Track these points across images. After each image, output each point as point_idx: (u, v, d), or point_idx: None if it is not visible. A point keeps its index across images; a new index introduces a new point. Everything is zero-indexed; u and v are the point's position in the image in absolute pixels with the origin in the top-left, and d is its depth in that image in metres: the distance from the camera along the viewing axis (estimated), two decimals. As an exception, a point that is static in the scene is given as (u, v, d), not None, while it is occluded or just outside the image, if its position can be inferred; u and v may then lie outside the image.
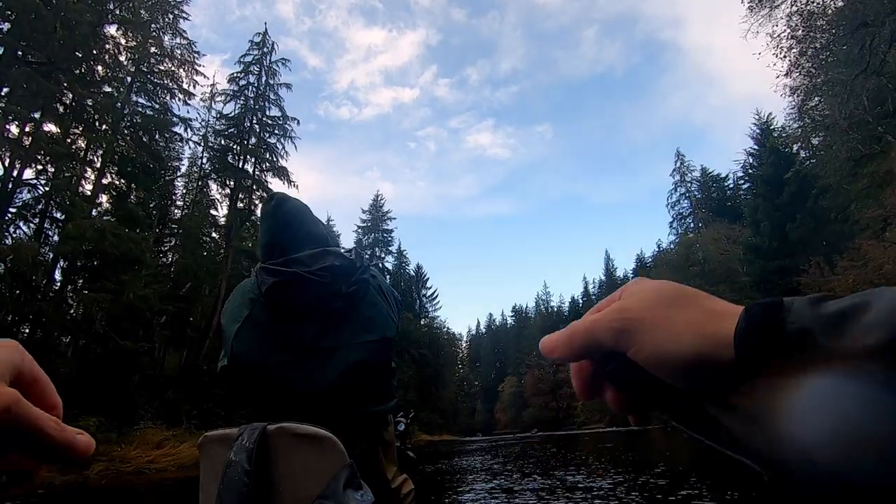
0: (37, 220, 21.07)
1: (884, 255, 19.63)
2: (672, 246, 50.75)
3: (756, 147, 39.85)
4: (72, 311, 22.29)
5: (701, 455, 14.83)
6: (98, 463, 15.61)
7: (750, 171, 42.41)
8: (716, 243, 37.65)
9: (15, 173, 19.74)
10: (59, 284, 21.74)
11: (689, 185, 54.61)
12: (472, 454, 22.30)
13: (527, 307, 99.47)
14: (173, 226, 34.42)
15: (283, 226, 1.32)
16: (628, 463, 12.81)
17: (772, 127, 39.52)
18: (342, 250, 1.30)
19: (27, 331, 20.53)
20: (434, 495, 10.03)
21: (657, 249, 61.15)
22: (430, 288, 72.19)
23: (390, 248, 65.83)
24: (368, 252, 60.46)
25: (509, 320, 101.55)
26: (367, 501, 0.78)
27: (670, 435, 26.68)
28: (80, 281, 22.49)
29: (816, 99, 20.93)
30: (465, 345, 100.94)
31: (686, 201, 54.58)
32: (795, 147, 31.90)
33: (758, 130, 40.87)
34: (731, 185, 49.77)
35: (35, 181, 20.72)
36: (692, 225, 53.30)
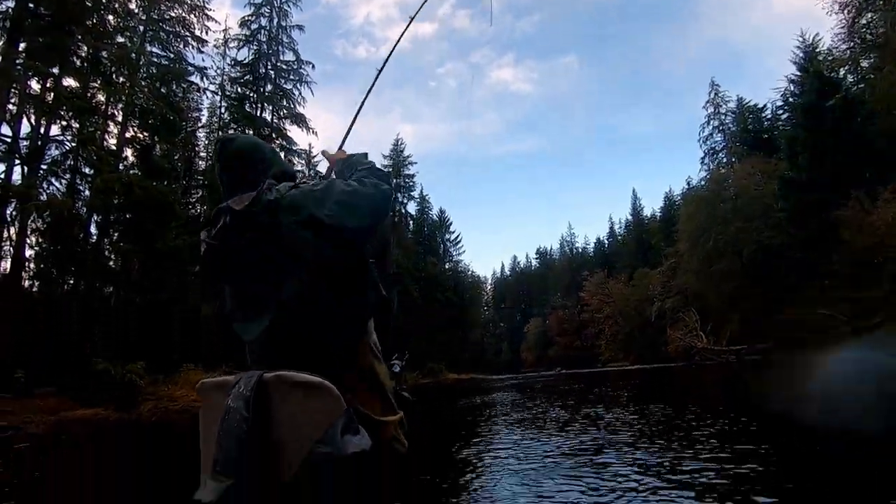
0: (68, 175, 21.61)
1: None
2: (702, 182, 48.87)
3: (798, 73, 37.06)
4: (110, 262, 23.28)
5: (724, 389, 15.02)
6: (148, 402, 16.85)
7: (790, 99, 39.72)
8: (750, 178, 36.04)
9: (42, 130, 20.07)
10: (95, 238, 22.57)
11: (723, 117, 51.68)
12: (499, 391, 23.15)
13: (551, 249, 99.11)
14: (199, 177, 34.91)
15: (224, 172, 1.27)
16: (651, 398, 13.10)
17: (817, 50, 36.54)
18: (243, 196, 1.14)
19: (71, 282, 21.62)
20: (465, 429, 10.52)
21: (686, 187, 59.05)
22: (453, 232, 72.24)
23: (412, 194, 65.54)
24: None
25: (534, 263, 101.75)
26: (364, 445, 0.76)
27: (693, 372, 27.02)
28: (115, 234, 23.31)
29: (869, 15, 19.08)
30: (490, 287, 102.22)
31: (719, 135, 51.92)
32: (842, 71, 29.56)
33: (801, 55, 37.86)
34: (769, 117, 46.84)
35: (62, 137, 21.07)
36: (725, 160, 51.01)
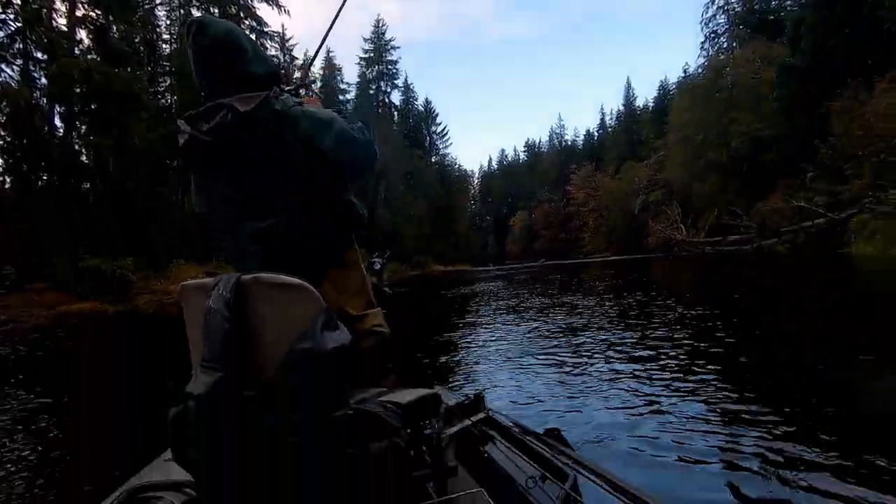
0: (19, 61, 19.84)
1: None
2: (699, 70, 46.71)
3: (817, -57, 33.72)
4: (83, 157, 22.35)
5: (693, 280, 15.87)
6: (143, 296, 17.34)
7: (804, -26, 36.61)
8: (749, 65, 34.51)
9: (-21, 7, 17.98)
10: (61, 131, 21.39)
11: (729, -5, 47.90)
12: (484, 281, 24.14)
13: (539, 142, 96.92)
14: (165, 63, 32.31)
15: (200, 65, 1.19)
16: (625, 287, 13.82)
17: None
18: (250, 96, 1.13)
19: (45, 177, 20.91)
20: (451, 315, 11.15)
21: (683, 75, 56.48)
22: (439, 124, 69.66)
23: (396, 83, 61.92)
24: (374, 87, 57.22)
25: (522, 156, 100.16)
26: (344, 340, 0.81)
27: (670, 263, 28.25)
28: (83, 127, 22.08)
29: None
30: (476, 181, 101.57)
31: (723, 16, 48.48)
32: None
33: (825, -81, 34.10)
34: (779, -5, 43.55)
35: (3, 16, 18.96)
36: (726, 45, 48.28)
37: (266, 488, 0.76)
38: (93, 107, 21.00)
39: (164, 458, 1.68)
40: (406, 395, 1.05)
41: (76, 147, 22.06)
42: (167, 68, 31.90)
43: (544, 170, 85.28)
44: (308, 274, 1.21)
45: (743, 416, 3.04)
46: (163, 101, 31.79)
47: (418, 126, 67.52)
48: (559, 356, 5.24)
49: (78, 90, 20.04)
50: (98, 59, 21.67)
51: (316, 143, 1.16)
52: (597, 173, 63.47)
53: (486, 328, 7.96)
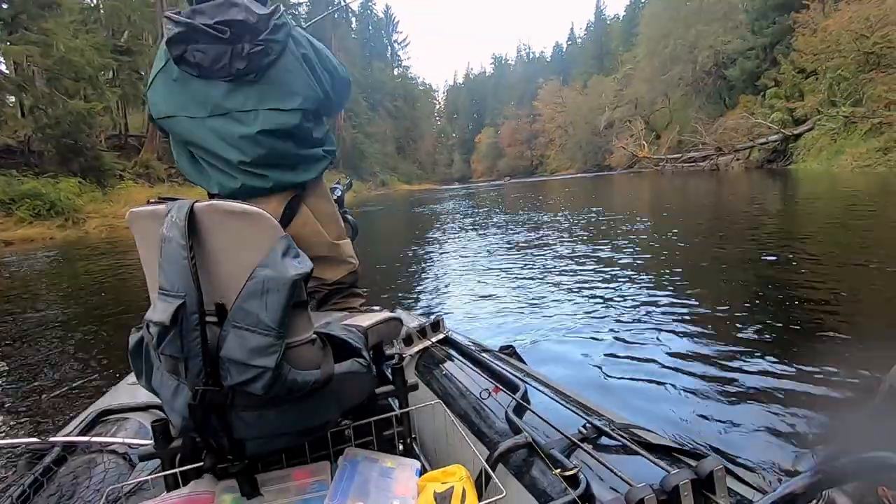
0: None
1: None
2: (673, -24, 44.65)
3: None
4: (1, 66, 19.97)
5: (648, 194, 16.38)
6: (92, 219, 16.52)
7: None
8: (722, -28, 33.25)
9: None
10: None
11: None
12: (450, 200, 24.14)
13: (506, 56, 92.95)
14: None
15: None
16: (583, 202, 14.16)
17: None
18: (259, 3, 1.13)
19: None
20: (418, 232, 11.23)
21: (656, -19, 53.93)
22: (401, 33, 65.27)
23: (352, -18, 56.74)
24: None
25: (488, 69, 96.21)
26: (305, 267, 0.82)
27: (631, 179, 28.85)
28: (-3, 32, 19.46)
29: None
30: (441, 96, 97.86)
31: (702, -85, 45.66)
32: None
33: None
34: None
35: None
36: (702, -52, 45.86)
37: (229, 411, 0.81)
38: (4, 6, 18.42)
39: (128, 382, 1.72)
40: (368, 318, 1.10)
41: (-7, 55, 19.62)
42: (87, -39, 27.92)
43: (511, 85, 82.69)
44: (291, 195, 1.22)
45: (689, 323, 3.32)
46: (87, 1, 28.15)
47: (378, 34, 63.09)
48: (518, 273, 5.46)
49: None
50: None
51: (315, 67, 1.19)
52: (563, 88, 62.15)
53: (448, 247, 8.10)
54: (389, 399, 1.09)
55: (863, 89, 18.81)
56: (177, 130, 1.18)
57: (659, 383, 2.44)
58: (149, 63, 25.35)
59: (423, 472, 0.99)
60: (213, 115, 1.12)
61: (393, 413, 1.04)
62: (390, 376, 1.08)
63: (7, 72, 19.91)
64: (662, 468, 0.78)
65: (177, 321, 0.78)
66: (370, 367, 0.91)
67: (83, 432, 1.35)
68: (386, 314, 1.13)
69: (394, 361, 1.08)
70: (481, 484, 0.93)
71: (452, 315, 4.00)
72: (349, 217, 1.58)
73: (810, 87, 23.12)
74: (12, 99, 20.28)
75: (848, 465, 0.71)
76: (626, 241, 6.74)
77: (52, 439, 1.27)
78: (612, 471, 0.82)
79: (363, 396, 0.98)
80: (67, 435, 1.32)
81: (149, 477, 0.94)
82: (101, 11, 27.91)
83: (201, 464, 0.91)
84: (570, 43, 79.25)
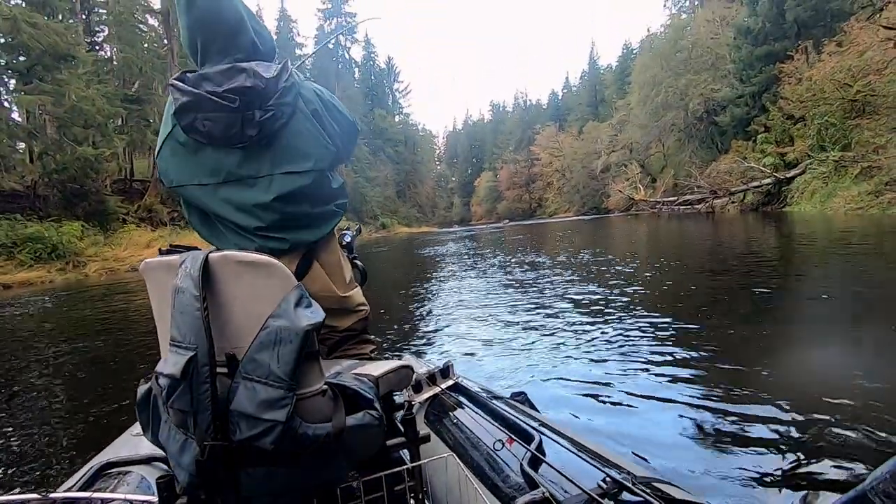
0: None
1: (871, 38, 18.60)
2: (662, 30, 46.86)
3: None
4: (13, 115, 20.58)
5: (651, 236, 16.49)
6: (93, 263, 16.55)
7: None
8: (708, 25, 34.90)
9: None
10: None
11: (694, -49, 47.73)
12: (450, 242, 24.26)
13: (504, 103, 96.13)
14: (101, 11, 29.67)
15: (200, 24, 1.09)
16: (583, 244, 14.24)
17: None
18: (269, 65, 1.11)
19: (-28, 138, 19.24)
20: (422, 274, 11.21)
21: (647, 34, 56.56)
22: (402, 82, 67.74)
23: (356, 37, 59.28)
24: (332, 43, 54.60)
25: (486, 115, 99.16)
26: (318, 317, 0.81)
27: (628, 221, 29.13)
28: (12, 81, 20.20)
29: None
30: (441, 141, 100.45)
31: (688, -27, 48.51)
32: None
33: None
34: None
35: None
36: (688, 4, 48.50)
37: (238, 464, 0.78)
38: (22, 58, 19.18)
39: (131, 433, 1.66)
40: (379, 367, 1.08)
41: (6, 105, 20.24)
42: (103, 16, 29.33)
43: (509, 130, 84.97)
44: (303, 252, 1.21)
45: (700, 364, 3.26)
46: (101, 52, 29.36)
47: (380, 83, 65.38)
48: (524, 314, 5.42)
49: (2, 40, 18.22)
50: (23, 4, 19.66)
51: (324, 121, 1.18)
52: (560, 134, 63.87)
53: (452, 289, 8.08)
54: (400, 452, 1.05)
55: (850, 134, 19.31)
56: (188, 198, 1.15)
57: (676, 430, 2.37)
58: (157, 112, 26.19)
59: (436, 531, 0.94)
60: (225, 181, 1.10)
61: (404, 467, 1.00)
62: (400, 427, 1.05)
63: (19, 119, 20.49)
64: None
65: (187, 374, 0.76)
66: (382, 419, 0.89)
67: (84, 487, 1.29)
68: (397, 363, 1.11)
69: (404, 412, 1.05)
70: (498, 544, 0.89)
71: (460, 359, 3.94)
72: (358, 263, 1.57)
73: (799, 132, 23.74)
74: (22, 145, 20.78)
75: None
76: (628, 282, 6.74)
77: (52, 495, 1.21)
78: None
79: (374, 449, 0.95)
80: (68, 490, 1.26)
81: None
82: (115, 63, 29.06)
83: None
84: (565, 91, 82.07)
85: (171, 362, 0.79)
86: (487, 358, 3.97)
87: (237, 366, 0.79)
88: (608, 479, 0.96)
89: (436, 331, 5.25)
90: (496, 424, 1.27)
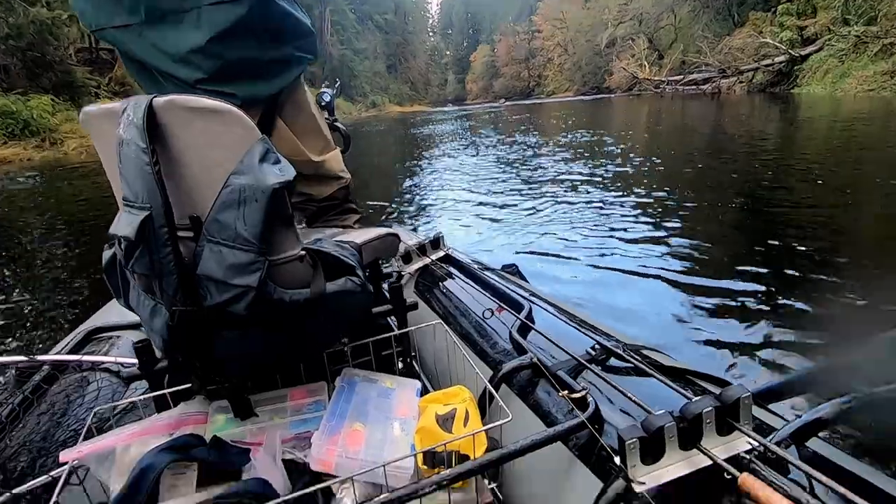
0: None
1: None
2: None
3: None
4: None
5: (651, 116, 15.88)
6: (70, 140, 15.83)
7: None
8: None
9: None
10: None
11: None
12: (446, 122, 23.35)
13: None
14: None
15: None
16: (579, 125, 13.71)
17: None
18: None
19: None
20: (415, 152, 10.93)
21: None
22: (390, -67, 59.87)
23: None
24: None
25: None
26: (287, 175, 0.71)
27: (632, 101, 27.88)
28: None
29: None
30: (435, 10, 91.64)
31: None
32: None
33: None
34: None
35: None
36: None
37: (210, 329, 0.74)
38: None
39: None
40: (363, 235, 1.01)
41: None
42: None
43: (509, -3, 77.26)
44: (261, 110, 1.00)
45: (690, 240, 3.29)
46: None
47: (365, -65, 57.56)
48: (518, 192, 5.38)
49: None
50: None
51: None
52: (565, 2, 58.27)
53: (446, 167, 7.91)
54: (388, 319, 1.03)
55: (879, 6, 17.79)
56: (113, 43, 0.94)
57: (665, 304, 2.44)
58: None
59: (424, 392, 0.95)
60: (148, 21, 0.88)
61: (391, 333, 0.98)
62: (387, 294, 1.02)
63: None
64: (680, 393, 0.74)
65: (145, 237, 0.69)
66: (365, 286, 0.83)
67: (73, 351, 1.30)
68: (382, 230, 1.04)
69: (392, 280, 1.00)
70: (485, 405, 0.90)
71: (451, 234, 3.95)
72: (340, 127, 1.43)
73: (824, 2, 21.80)
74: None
75: (884, 395, 0.67)
76: (622, 163, 6.61)
77: (41, 358, 1.22)
78: (623, 394, 0.78)
79: (359, 316, 0.92)
80: (57, 354, 1.27)
81: (138, 398, 0.89)
82: None
83: (190, 385, 0.87)
84: (574, -52, 73.06)
85: (124, 223, 0.70)
86: (479, 231, 3.99)
87: (202, 228, 0.71)
88: (597, 346, 0.96)
89: (426, 204, 5.22)
90: (486, 294, 1.25)
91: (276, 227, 0.75)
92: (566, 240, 3.56)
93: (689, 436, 0.62)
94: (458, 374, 0.98)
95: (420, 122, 25.02)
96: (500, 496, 0.78)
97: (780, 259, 2.90)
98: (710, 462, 0.61)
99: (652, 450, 0.61)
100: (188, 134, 0.71)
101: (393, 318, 1.02)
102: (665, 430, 0.61)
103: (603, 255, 3.19)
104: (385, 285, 1.12)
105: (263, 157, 0.71)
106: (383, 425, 0.83)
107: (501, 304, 1.14)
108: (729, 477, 0.59)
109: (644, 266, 2.95)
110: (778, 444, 0.63)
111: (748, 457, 0.62)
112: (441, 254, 1.60)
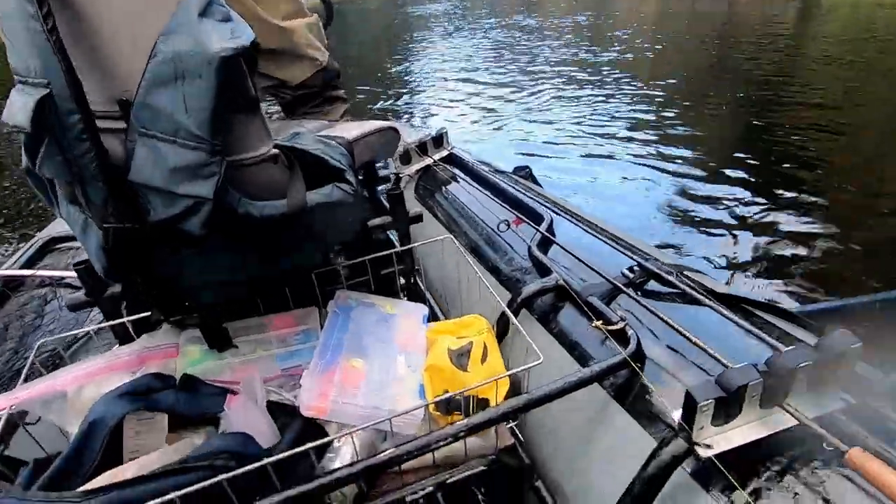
0: None
1: None
2: None
3: None
4: None
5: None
6: None
7: None
8: None
9: None
10: None
11: None
12: (439, 1, 21.26)
13: None
14: None
15: None
16: (588, 5, 12.46)
17: None
18: None
19: None
20: (405, 37, 10.03)
21: None
22: None
23: None
24: None
25: None
26: (242, 38, 0.50)
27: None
28: None
29: None
30: None
31: None
32: None
33: None
34: None
35: None
36: None
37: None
38: None
39: None
40: (354, 129, 0.81)
41: None
42: None
43: None
44: None
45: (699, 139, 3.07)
46: None
47: None
48: (515, 85, 4.95)
49: None
50: None
51: None
52: None
53: (439, 57, 7.25)
54: (387, 233, 0.87)
55: None
56: None
57: (677, 205, 2.30)
58: None
59: (431, 318, 0.82)
60: None
61: (392, 251, 0.82)
62: (386, 204, 0.84)
63: None
64: (741, 328, 0.61)
65: (44, 125, 0.49)
66: (357, 193, 0.65)
67: (28, 264, 1.15)
68: (379, 123, 0.84)
69: (390, 185, 0.82)
70: (503, 332, 0.77)
71: (452, 132, 3.68)
72: None
73: None
74: None
75: None
76: (629, 48, 6.06)
77: None
78: (669, 325, 0.65)
79: (352, 231, 0.75)
80: (10, 267, 1.11)
81: (92, 328, 0.75)
82: None
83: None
84: None
85: (16, 106, 0.50)
86: (472, 121, 3.70)
87: (123, 108, 0.51)
88: (635, 267, 0.81)
89: (417, 96, 4.82)
90: (498, 201, 1.07)
91: (235, 116, 0.55)
92: (576, 138, 3.30)
93: (773, 392, 0.50)
94: (469, 297, 0.85)
95: (412, 1, 22.75)
96: (521, 437, 0.68)
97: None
98: (794, 423, 0.49)
99: (726, 410, 0.49)
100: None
101: (393, 231, 0.86)
102: (748, 390, 0.48)
103: (619, 151, 2.98)
104: (381, 190, 0.94)
105: (205, 10, 0.49)
106: (385, 360, 0.70)
107: (519, 215, 0.97)
108: (817, 439, 0.47)
109: (646, 161, 2.78)
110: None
111: (843, 417, 0.50)
112: (444, 153, 1.39)
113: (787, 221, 2.09)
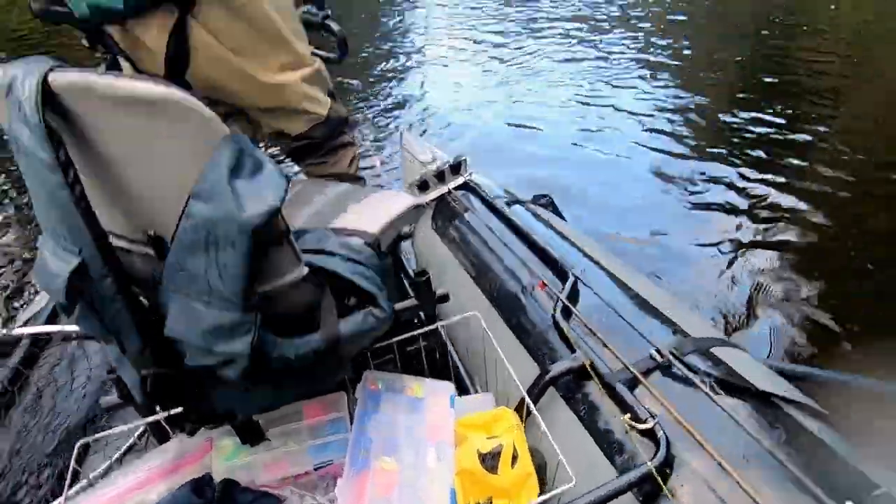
0: None
1: None
2: None
3: None
4: None
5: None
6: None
7: None
8: None
9: None
10: None
11: None
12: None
13: None
14: None
15: None
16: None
17: None
18: None
19: None
20: (400, 27, 9.55)
21: None
22: None
23: None
24: None
25: None
26: (276, 192, 0.48)
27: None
28: None
29: None
30: None
31: None
32: None
33: None
34: None
35: None
36: None
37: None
38: None
39: None
40: (375, 209, 0.78)
41: None
42: None
43: None
44: (174, 14, 0.65)
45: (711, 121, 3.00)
46: None
47: None
48: (517, 46, 4.79)
49: None
50: None
51: None
52: None
53: (448, 48, 6.88)
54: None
55: None
56: None
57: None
58: None
59: (458, 389, 0.82)
60: None
61: (417, 332, 0.82)
62: (409, 288, 0.83)
63: None
64: (774, 427, 0.61)
65: (80, 289, 0.48)
66: (390, 317, 0.64)
67: (53, 316, 1.11)
68: (402, 202, 0.81)
69: (416, 272, 0.79)
70: (528, 410, 0.77)
71: (440, 92, 3.64)
72: (333, 26, 1.02)
73: None
74: None
75: None
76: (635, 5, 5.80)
77: (18, 330, 1.04)
78: (702, 441, 0.64)
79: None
80: (32, 323, 1.09)
81: (123, 427, 0.74)
82: None
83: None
84: None
85: (50, 268, 0.49)
86: (472, 86, 3.68)
87: (164, 258, 0.50)
88: (663, 348, 0.80)
89: (410, 60, 4.67)
90: (523, 245, 1.05)
91: (266, 250, 0.54)
92: (572, 94, 3.29)
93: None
94: (498, 372, 0.85)
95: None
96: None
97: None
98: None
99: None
100: (116, 136, 0.46)
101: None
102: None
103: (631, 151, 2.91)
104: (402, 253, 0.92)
105: (236, 168, 0.47)
106: (416, 456, 0.71)
107: (544, 280, 0.95)
108: None
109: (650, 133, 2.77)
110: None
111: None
112: (461, 180, 1.36)
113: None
